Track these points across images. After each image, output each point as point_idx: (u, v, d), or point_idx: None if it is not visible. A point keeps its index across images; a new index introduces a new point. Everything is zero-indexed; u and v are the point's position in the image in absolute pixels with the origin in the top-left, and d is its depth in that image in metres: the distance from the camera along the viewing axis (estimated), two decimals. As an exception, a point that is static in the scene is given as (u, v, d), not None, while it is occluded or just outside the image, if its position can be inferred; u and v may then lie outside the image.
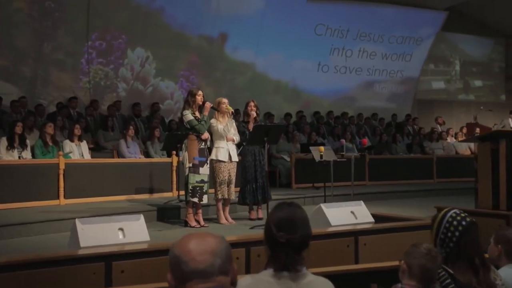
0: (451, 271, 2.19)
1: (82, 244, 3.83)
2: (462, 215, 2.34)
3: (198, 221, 6.24)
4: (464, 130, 13.34)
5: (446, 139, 12.66)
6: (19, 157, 7.48)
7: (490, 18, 15.96)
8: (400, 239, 4.74)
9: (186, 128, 6.31)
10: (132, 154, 8.65)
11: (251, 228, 6.01)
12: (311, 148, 8.11)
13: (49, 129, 7.85)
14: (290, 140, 10.75)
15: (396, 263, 3.19)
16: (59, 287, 3.26)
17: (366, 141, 8.05)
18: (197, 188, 6.17)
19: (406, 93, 15.02)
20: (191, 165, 6.18)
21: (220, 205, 6.47)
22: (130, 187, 7.96)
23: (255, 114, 6.59)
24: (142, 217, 4.24)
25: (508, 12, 15.16)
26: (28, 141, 7.76)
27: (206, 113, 6.29)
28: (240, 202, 6.76)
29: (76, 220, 3.97)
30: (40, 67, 10.25)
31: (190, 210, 6.24)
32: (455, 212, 2.35)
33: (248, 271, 3.96)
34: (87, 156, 8.16)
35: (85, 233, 3.92)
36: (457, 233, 2.27)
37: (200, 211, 6.31)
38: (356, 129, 12.59)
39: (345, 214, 5.01)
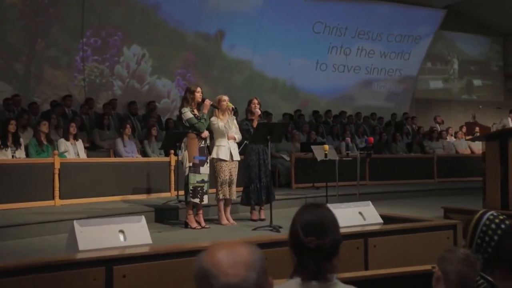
0: (490, 278, 2.01)
1: (81, 247, 3.63)
2: (501, 217, 2.16)
3: (198, 222, 6.05)
4: (464, 129, 13.24)
5: (446, 138, 12.53)
6: (12, 157, 7.26)
7: (487, 16, 15.88)
8: (411, 241, 4.59)
9: (185, 126, 6.11)
10: (129, 153, 8.44)
11: (254, 229, 5.82)
12: (312, 147, 7.94)
13: (44, 127, 7.62)
14: (289, 139, 10.58)
15: (418, 267, 3.02)
16: (58, 293, 3.07)
17: (373, 140, 7.87)
18: (198, 189, 5.97)
19: (404, 92, 14.90)
20: (191, 164, 5.99)
21: (221, 205, 6.28)
22: (127, 187, 7.75)
23: (259, 112, 6.40)
24: (143, 218, 4.04)
25: (506, 11, 15.08)
26: (22, 140, 7.54)
27: (205, 110, 6.09)
28: (243, 203, 6.57)
29: (74, 222, 3.76)
30: (33, 64, 10.01)
31: (191, 211, 6.04)
32: (492, 215, 2.17)
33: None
34: (82, 155, 7.95)
35: (84, 236, 3.72)
36: (495, 237, 2.09)
37: (200, 211, 6.11)
38: (355, 128, 12.44)
39: (353, 214, 4.84)
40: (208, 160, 6.14)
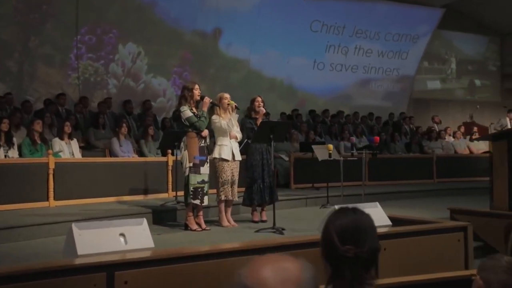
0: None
1: (79, 252, 3.43)
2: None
3: (199, 224, 5.86)
4: (462, 129, 13.14)
5: (445, 138, 12.41)
6: (5, 156, 7.02)
7: (485, 16, 15.81)
8: (421, 243, 4.43)
9: (184, 125, 5.91)
10: (125, 153, 8.23)
11: (257, 231, 5.63)
12: (313, 147, 7.77)
13: (38, 126, 7.40)
14: (287, 139, 10.40)
15: (442, 274, 2.85)
16: (56, 302, 2.87)
17: (378, 139, 7.71)
18: (199, 189, 5.78)
19: (402, 92, 14.79)
20: (191, 164, 5.79)
21: (222, 206, 6.09)
22: (123, 188, 7.54)
23: (264, 110, 6.22)
24: (145, 221, 3.85)
25: (504, 11, 15.02)
26: (15, 139, 7.31)
27: (205, 108, 5.90)
28: (245, 203, 6.37)
29: (73, 224, 3.57)
30: (27, 62, 9.78)
31: (191, 213, 5.85)
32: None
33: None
34: (77, 155, 7.73)
35: (83, 239, 3.52)
36: None
37: (201, 213, 5.92)
38: (352, 128, 12.30)
39: (361, 216, 4.67)
40: (208, 160, 5.96)
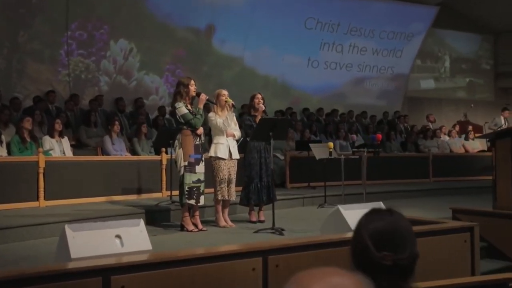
0: None
1: (73, 255, 3.24)
2: None
3: (195, 225, 5.66)
4: (457, 128, 13.06)
5: (440, 137, 12.32)
6: (-7, 155, 6.79)
7: (479, 14, 15.76)
8: (427, 244, 4.28)
9: (179, 122, 5.71)
10: (118, 151, 8.01)
11: (255, 232, 5.45)
12: (311, 145, 7.61)
13: (27, 124, 7.15)
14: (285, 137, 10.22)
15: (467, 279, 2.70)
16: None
17: (381, 136, 7.55)
18: (194, 189, 5.59)
19: (396, 90, 14.68)
20: (186, 163, 5.59)
21: (219, 206, 5.90)
22: (116, 187, 7.33)
23: (263, 107, 6.03)
24: (142, 222, 3.66)
25: (497, 9, 14.97)
26: (3, 137, 7.07)
27: (201, 105, 5.70)
28: (242, 203, 6.19)
29: (66, 226, 3.37)
30: (15, 58, 9.53)
31: (187, 213, 5.65)
32: None
33: (266, 285, 3.43)
34: (68, 153, 7.50)
35: (77, 242, 3.33)
36: None
37: (197, 213, 5.73)
38: (347, 126, 12.16)
39: (365, 216, 4.51)
40: (204, 159, 5.76)
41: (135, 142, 8.54)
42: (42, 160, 6.62)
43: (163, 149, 7.69)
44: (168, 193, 7.23)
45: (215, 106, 5.93)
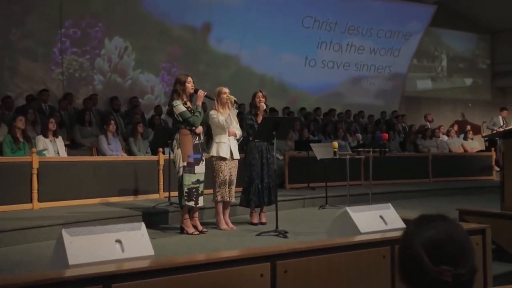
0: None
1: (71, 262, 3.03)
2: None
3: (195, 227, 5.47)
4: (455, 128, 12.95)
5: (439, 137, 12.20)
6: (-15, 155, 6.56)
7: (475, 13, 15.67)
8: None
9: (177, 121, 5.51)
10: (114, 151, 7.80)
11: (258, 234, 5.26)
12: (312, 145, 7.43)
13: (20, 123, 6.92)
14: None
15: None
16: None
17: (387, 136, 7.38)
18: (193, 190, 5.39)
19: (394, 90, 14.56)
20: (185, 164, 5.39)
21: (220, 208, 5.71)
22: (112, 188, 7.12)
23: (265, 106, 5.84)
24: (143, 225, 3.46)
25: (494, 8, 14.89)
26: (-5, 137, 6.86)
27: (199, 102, 5.50)
28: (243, 204, 6.00)
29: (63, 230, 3.16)
30: (7, 56, 9.32)
31: (187, 215, 5.46)
32: None
33: (275, 291, 3.25)
34: (63, 153, 7.28)
35: (75, 247, 3.12)
36: None
37: (196, 214, 5.54)
38: (346, 126, 12.00)
39: (373, 219, 4.33)
40: (204, 158, 5.57)
41: (131, 142, 8.33)
42: (35, 160, 6.40)
43: (160, 149, 7.50)
44: (165, 194, 7.04)
45: (216, 104, 5.74)
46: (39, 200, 6.40)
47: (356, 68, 13.82)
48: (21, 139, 6.91)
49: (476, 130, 13.28)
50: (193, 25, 11.31)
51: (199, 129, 5.53)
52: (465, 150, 12.18)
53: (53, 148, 7.15)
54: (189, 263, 3.10)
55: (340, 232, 4.28)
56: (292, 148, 9.65)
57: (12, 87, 9.34)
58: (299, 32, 12.66)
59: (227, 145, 5.64)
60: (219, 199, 5.69)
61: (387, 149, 6.90)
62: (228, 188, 5.69)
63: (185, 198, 5.37)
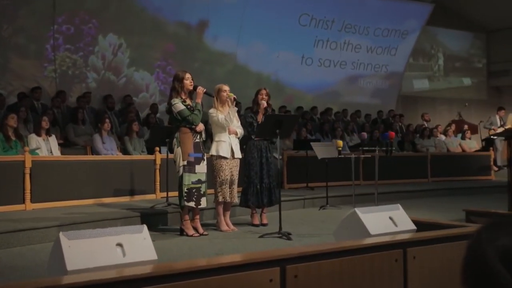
0: None
1: (69, 267, 2.83)
2: None
3: (195, 229, 5.29)
4: (453, 127, 12.86)
5: (437, 136, 12.10)
6: (-25, 154, 6.33)
7: (471, 12, 15.60)
8: (449, 250, 3.97)
9: (176, 119, 5.32)
10: (109, 150, 7.59)
11: (261, 236, 5.09)
12: (312, 144, 7.27)
13: (12, 121, 6.70)
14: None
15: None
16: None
17: (394, 134, 7.23)
18: (193, 190, 5.21)
19: (390, 89, 14.44)
20: (185, 163, 5.21)
21: (220, 209, 5.53)
22: (107, 189, 6.91)
23: (265, 104, 5.66)
24: (145, 228, 3.26)
25: (490, 7, 14.82)
26: (-14, 136, 6.62)
27: (199, 100, 5.31)
28: (242, 204, 5.83)
29: (60, 233, 2.96)
30: (-2, 52, 9.05)
31: (187, 217, 5.27)
32: None
33: (285, 299, 3.07)
34: (56, 152, 7.07)
35: (73, 252, 2.92)
36: None
37: (197, 216, 5.36)
38: (343, 125, 11.86)
39: (383, 220, 4.17)
40: (205, 157, 5.38)
41: (126, 140, 8.13)
42: (28, 159, 6.19)
43: (157, 148, 7.30)
44: (162, 194, 6.85)
45: (215, 102, 5.56)
46: (32, 201, 6.19)
47: (353, 66, 13.69)
48: (13, 138, 6.69)
49: (473, 129, 13.22)
50: (189, 22, 11.12)
51: (200, 127, 5.34)
52: (463, 150, 12.09)
53: (46, 147, 6.94)
54: (195, 268, 2.91)
55: (348, 234, 4.10)
56: (291, 148, 9.49)
57: (4, 84, 9.11)
58: (295, 30, 12.51)
59: (227, 144, 5.46)
60: (220, 200, 5.51)
61: (393, 148, 6.73)
62: (230, 188, 5.51)
63: (185, 198, 5.18)
